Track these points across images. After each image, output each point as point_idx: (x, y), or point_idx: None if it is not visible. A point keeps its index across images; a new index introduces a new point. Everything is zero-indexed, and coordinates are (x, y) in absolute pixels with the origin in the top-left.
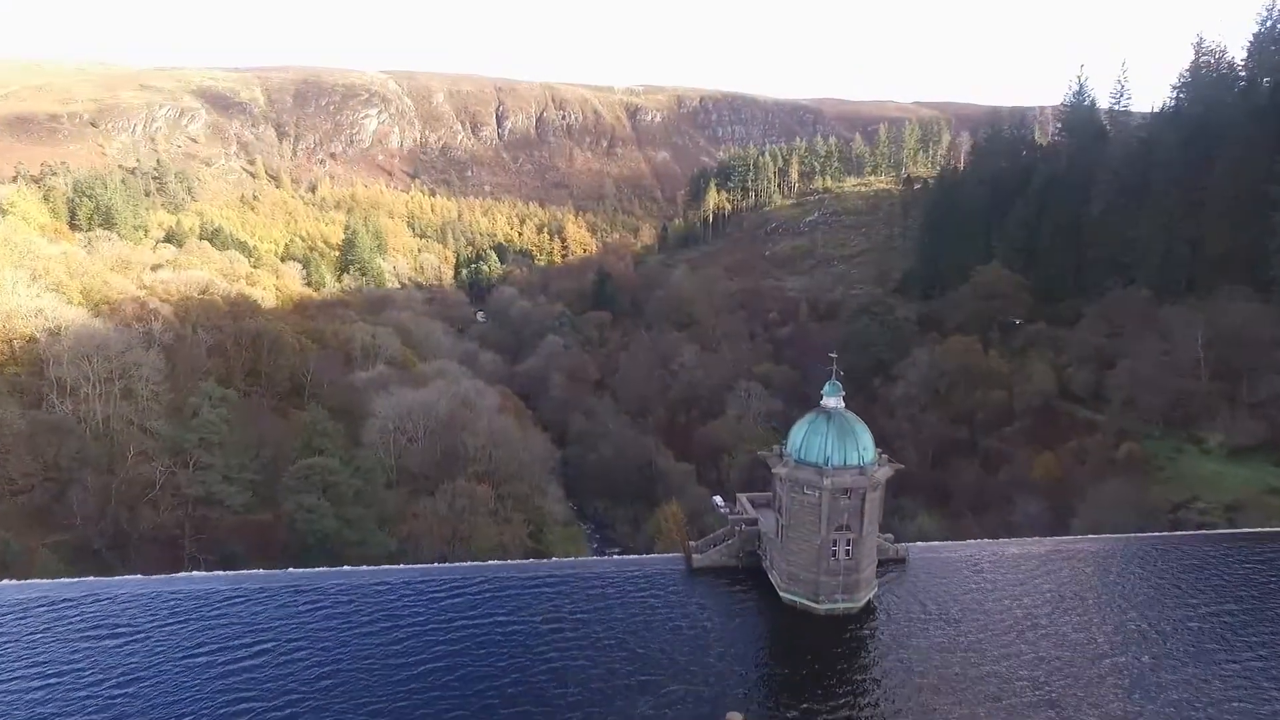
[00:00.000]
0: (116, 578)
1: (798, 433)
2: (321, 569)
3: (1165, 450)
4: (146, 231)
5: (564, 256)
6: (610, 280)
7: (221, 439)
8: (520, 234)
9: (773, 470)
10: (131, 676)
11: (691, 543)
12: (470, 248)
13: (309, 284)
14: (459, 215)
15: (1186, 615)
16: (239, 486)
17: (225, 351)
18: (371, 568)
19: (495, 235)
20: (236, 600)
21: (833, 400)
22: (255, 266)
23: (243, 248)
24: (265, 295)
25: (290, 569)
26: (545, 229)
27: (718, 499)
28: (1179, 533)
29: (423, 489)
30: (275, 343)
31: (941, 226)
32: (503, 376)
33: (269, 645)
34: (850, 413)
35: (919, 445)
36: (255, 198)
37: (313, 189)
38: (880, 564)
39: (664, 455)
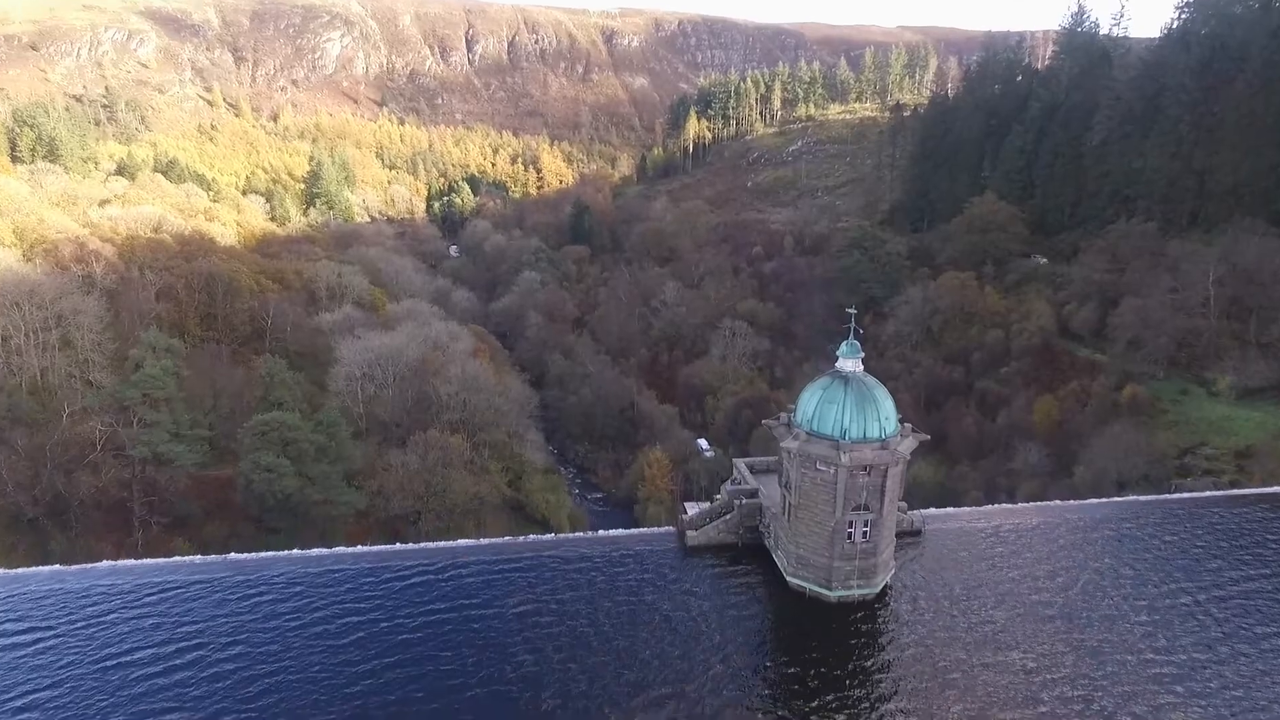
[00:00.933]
0: (26, 569)
1: (809, 400)
2: (267, 554)
3: (1170, 393)
4: (96, 164)
5: (539, 188)
6: (588, 213)
7: (168, 394)
8: (494, 164)
9: (780, 444)
10: (36, 686)
11: (685, 514)
12: (442, 179)
13: (273, 219)
14: (429, 145)
15: (1234, 587)
16: (190, 444)
17: (176, 295)
18: (323, 551)
19: (468, 166)
20: (168, 591)
21: (850, 362)
22: (215, 201)
23: (201, 181)
24: (225, 232)
25: (231, 554)
26: (519, 159)
27: (702, 443)
28: (1211, 493)
29: (393, 439)
30: (230, 285)
31: (933, 155)
32: (477, 315)
33: (202, 645)
34: (870, 376)
35: (911, 387)
36: (213, 127)
37: (274, 118)
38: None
39: (646, 397)
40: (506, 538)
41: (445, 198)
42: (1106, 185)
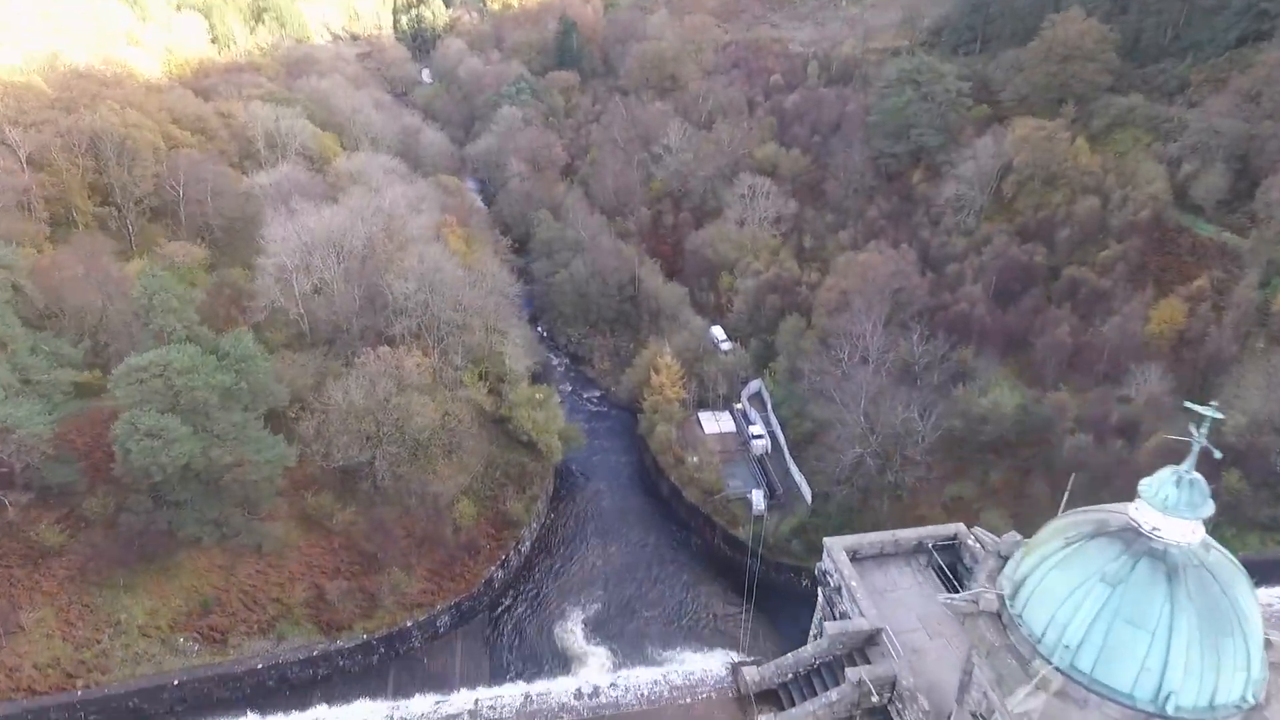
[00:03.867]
0: None
1: (1072, 599)
2: None
3: None
4: None
5: None
6: (575, 31)
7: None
8: None
9: (1003, 700)
10: None
11: (750, 666)
12: None
13: (214, 41)
14: None
15: None
16: (46, 395)
17: (53, 163)
18: None
19: None
20: None
21: (1180, 525)
22: (141, 20)
23: None
24: (149, 62)
25: None
26: None
27: (717, 332)
28: None
29: (342, 346)
30: (124, 144)
31: None
32: (451, 161)
33: None
34: (1221, 553)
35: (978, 272)
36: None
37: None
38: None
39: (649, 269)
40: None
41: (413, 10)
42: None
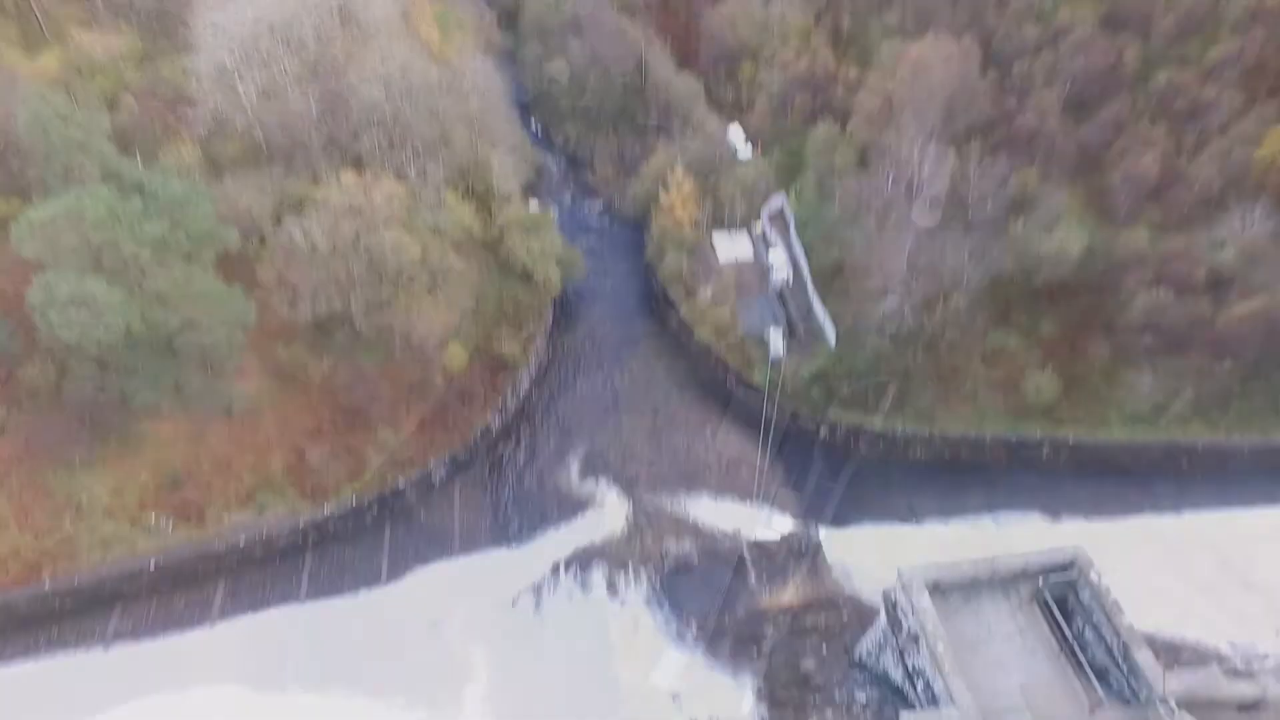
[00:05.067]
0: None
1: None
2: None
3: None
4: None
5: None
6: None
7: None
8: None
9: None
10: None
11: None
12: None
13: None
14: None
15: None
16: None
17: None
18: None
19: None
20: None
21: None
22: None
23: None
24: None
25: None
26: None
27: (736, 133)
28: None
29: (303, 162)
30: None
31: None
32: None
33: None
34: None
35: (1051, 72)
36: None
37: None
38: None
39: (658, 55)
40: None
41: None
42: None
